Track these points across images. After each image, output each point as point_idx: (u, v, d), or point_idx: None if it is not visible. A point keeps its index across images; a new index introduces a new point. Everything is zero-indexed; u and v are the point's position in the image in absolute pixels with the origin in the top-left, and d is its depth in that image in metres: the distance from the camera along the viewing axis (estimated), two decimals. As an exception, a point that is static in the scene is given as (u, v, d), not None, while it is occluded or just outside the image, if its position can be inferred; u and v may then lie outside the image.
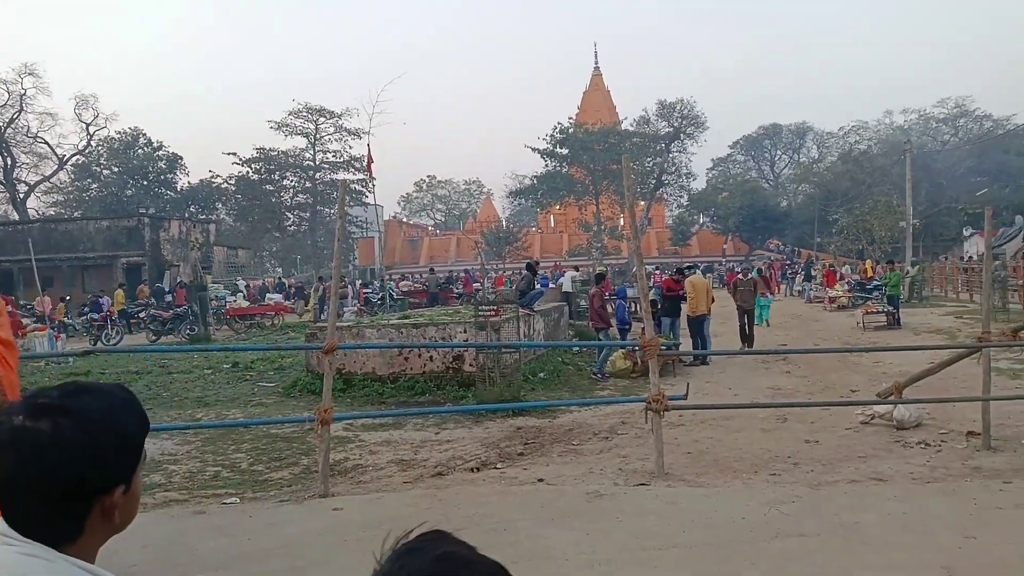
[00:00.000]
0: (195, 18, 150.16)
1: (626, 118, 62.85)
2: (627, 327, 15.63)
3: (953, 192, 51.18)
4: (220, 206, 61.90)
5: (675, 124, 59.53)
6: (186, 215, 53.05)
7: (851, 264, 40.16)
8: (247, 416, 10.99)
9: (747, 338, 16.47)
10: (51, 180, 57.11)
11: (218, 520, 6.22)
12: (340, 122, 57.55)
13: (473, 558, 0.92)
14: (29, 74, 51.01)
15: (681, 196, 64.36)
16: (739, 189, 59.65)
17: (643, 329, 7.58)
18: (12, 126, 52.04)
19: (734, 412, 9.46)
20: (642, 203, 58.36)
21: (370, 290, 34.47)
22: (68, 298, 28.85)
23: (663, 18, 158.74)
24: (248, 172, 57.10)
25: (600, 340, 14.37)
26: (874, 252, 40.44)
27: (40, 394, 1.18)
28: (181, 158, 60.52)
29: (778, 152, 76.70)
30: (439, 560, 0.90)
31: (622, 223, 56.63)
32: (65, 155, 56.13)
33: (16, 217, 51.25)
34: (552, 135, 57.01)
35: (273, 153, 57.16)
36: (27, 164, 54.92)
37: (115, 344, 21.96)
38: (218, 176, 58.69)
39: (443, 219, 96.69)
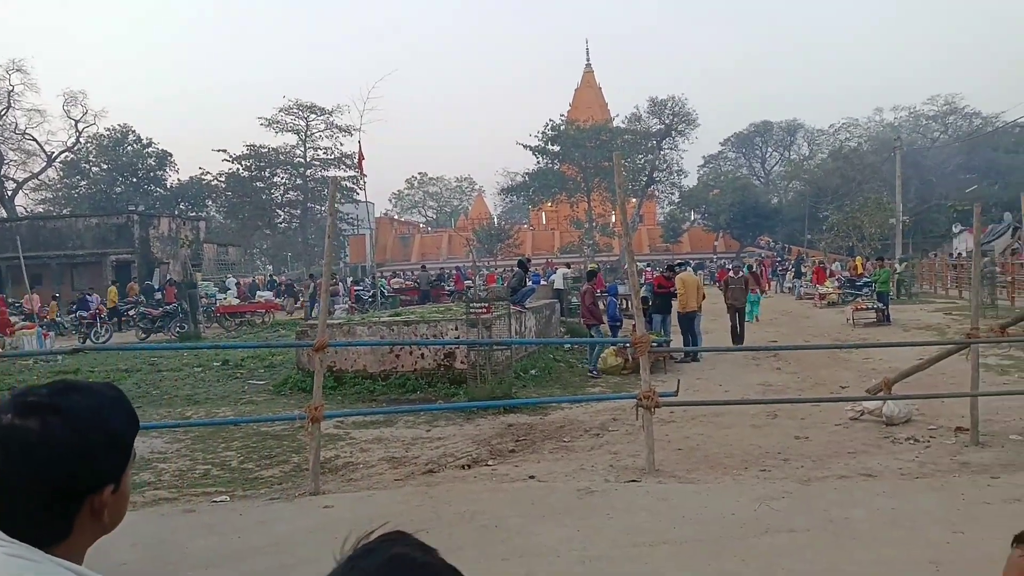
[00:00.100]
0: (185, 14, 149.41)
1: (618, 115, 62.87)
2: (618, 324, 15.65)
3: (942, 189, 51.43)
4: (210, 203, 61.68)
5: (666, 121, 59.53)
6: (176, 212, 52.79)
7: (841, 261, 40.34)
8: (237, 414, 10.95)
9: (738, 337, 16.54)
10: (39, 177, 56.80)
11: (208, 518, 6.21)
12: (331, 119, 57.57)
13: (427, 560, 0.92)
14: (17, 70, 50.77)
15: (672, 193, 64.41)
16: (730, 186, 59.76)
17: (634, 326, 7.59)
18: (0, 123, 51.70)
19: (724, 408, 9.49)
20: (633, 200, 58.35)
21: (361, 287, 34.39)
22: (58, 296, 28.70)
23: (655, 15, 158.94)
24: (238, 169, 56.95)
25: (592, 336, 14.39)
26: (864, 249, 40.60)
27: (29, 392, 1.16)
28: (171, 155, 60.27)
29: (769, 149, 76.89)
30: (390, 562, 0.89)
31: (614, 220, 56.62)
32: (54, 152, 55.87)
33: (4, 214, 50.83)
34: (544, 132, 56.96)
35: (264, 150, 57.03)
36: (15, 161, 54.62)
37: (104, 342, 21.86)
38: (208, 173, 58.64)
39: (435, 216, 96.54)
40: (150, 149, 59.44)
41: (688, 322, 15.18)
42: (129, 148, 58.82)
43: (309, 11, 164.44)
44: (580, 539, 5.31)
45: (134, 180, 59.19)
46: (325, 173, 58.14)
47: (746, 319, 17.81)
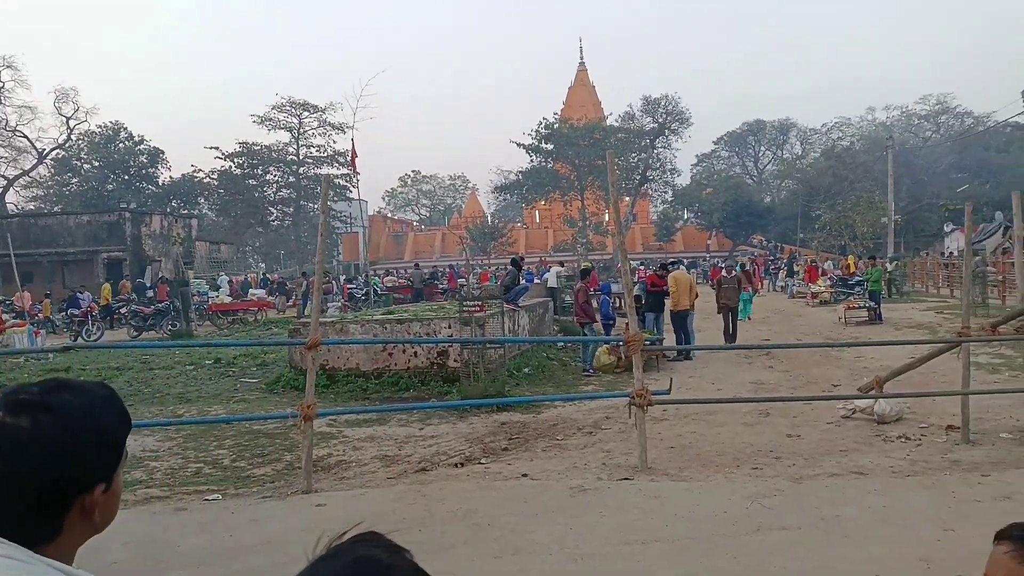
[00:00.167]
0: (178, 10, 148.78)
1: (611, 113, 62.83)
2: (611, 322, 15.67)
3: (934, 188, 51.67)
4: (202, 201, 61.47)
5: (660, 120, 59.57)
6: (168, 210, 52.61)
7: (833, 260, 40.46)
8: (229, 412, 10.92)
9: (731, 336, 16.58)
10: (30, 174, 56.45)
11: (200, 517, 6.19)
12: (324, 116, 57.52)
13: (392, 563, 0.91)
14: (7, 67, 50.49)
15: (665, 192, 64.47)
16: (723, 185, 59.88)
17: (627, 324, 7.59)
18: (-10, 119, 51.42)
19: (717, 407, 9.51)
20: (627, 199, 58.46)
21: (354, 285, 34.34)
22: (47, 294, 28.57)
23: (648, 14, 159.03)
24: (231, 167, 56.81)
25: (585, 335, 14.40)
26: (856, 248, 40.76)
27: (20, 390, 1.15)
28: (163, 152, 60.06)
29: (762, 148, 77.04)
30: (354, 564, 0.89)
31: (607, 219, 56.74)
32: (45, 149, 55.52)
33: (-6, 212, 50.62)
34: (537, 130, 56.99)
35: (256, 147, 56.90)
36: (6, 158, 54.34)
37: (96, 340, 21.76)
38: (200, 171, 58.46)
39: (428, 214, 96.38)
40: (142, 146, 59.19)
41: (681, 320, 15.20)
42: (121, 145, 58.55)
43: (303, 8, 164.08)
44: (573, 537, 5.32)
45: (126, 177, 58.92)
46: (318, 171, 58.04)
47: (739, 318, 17.85)
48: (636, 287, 14.73)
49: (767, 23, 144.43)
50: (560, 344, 15.91)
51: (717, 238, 61.90)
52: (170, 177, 60.85)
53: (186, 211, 55.08)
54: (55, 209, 52.21)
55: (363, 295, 31.03)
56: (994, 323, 8.59)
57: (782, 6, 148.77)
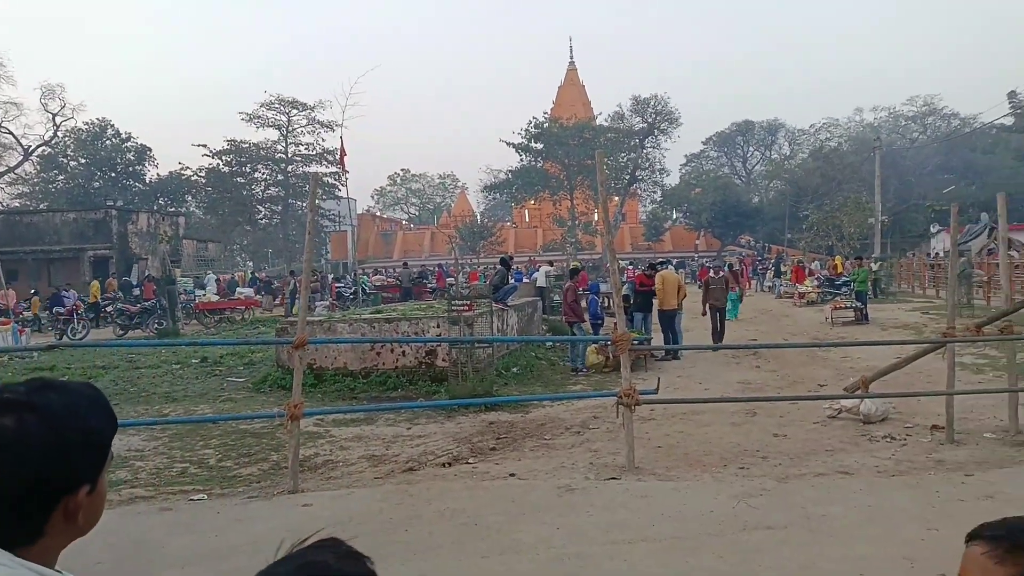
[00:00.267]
0: (165, 6, 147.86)
1: (600, 113, 63.06)
2: (599, 322, 15.69)
3: (921, 189, 52.01)
4: (190, 199, 61.15)
5: (649, 120, 59.77)
6: (155, 208, 52.31)
7: (820, 260, 40.66)
8: (216, 411, 10.86)
9: (718, 336, 16.64)
10: (16, 171, 55.86)
11: (185, 517, 6.16)
12: (313, 114, 57.31)
13: (342, 568, 0.91)
14: (-8, 62, 49.96)
15: (655, 192, 64.69)
16: (712, 185, 60.08)
17: (615, 324, 7.61)
18: (-26, 116, 50.89)
19: (704, 406, 9.54)
20: (616, 198, 58.60)
21: (342, 284, 34.22)
22: (35, 292, 28.36)
23: (638, 14, 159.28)
24: (219, 164, 56.51)
25: (573, 334, 14.41)
26: (843, 248, 40.95)
27: (5, 389, 1.14)
28: (150, 149, 59.64)
29: (750, 148, 77.29)
30: (299, 570, 0.89)
31: (596, 218, 56.79)
32: (31, 146, 54.97)
33: (-21, 209, 50.17)
34: (527, 130, 57.07)
35: (244, 145, 56.61)
36: (-9, 155, 53.77)
37: (81, 339, 21.60)
38: (188, 168, 58.08)
39: (417, 213, 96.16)
40: (129, 143, 58.77)
41: (668, 320, 15.24)
42: (108, 142, 58.13)
43: (293, 5, 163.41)
44: (560, 537, 5.32)
45: (112, 175, 58.52)
46: (307, 169, 57.82)
47: (727, 318, 17.92)
48: (625, 287, 14.77)
49: (756, 24, 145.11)
50: (549, 344, 15.92)
51: (705, 238, 62.10)
52: (157, 175, 60.54)
53: (173, 209, 54.74)
54: (41, 206, 51.77)
55: (351, 294, 30.94)
56: (979, 324, 8.66)
57: (771, 7, 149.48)
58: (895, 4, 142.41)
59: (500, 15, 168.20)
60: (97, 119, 57.57)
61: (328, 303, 28.12)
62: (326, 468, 7.73)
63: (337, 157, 41.81)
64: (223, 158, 56.25)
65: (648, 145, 60.52)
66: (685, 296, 15.88)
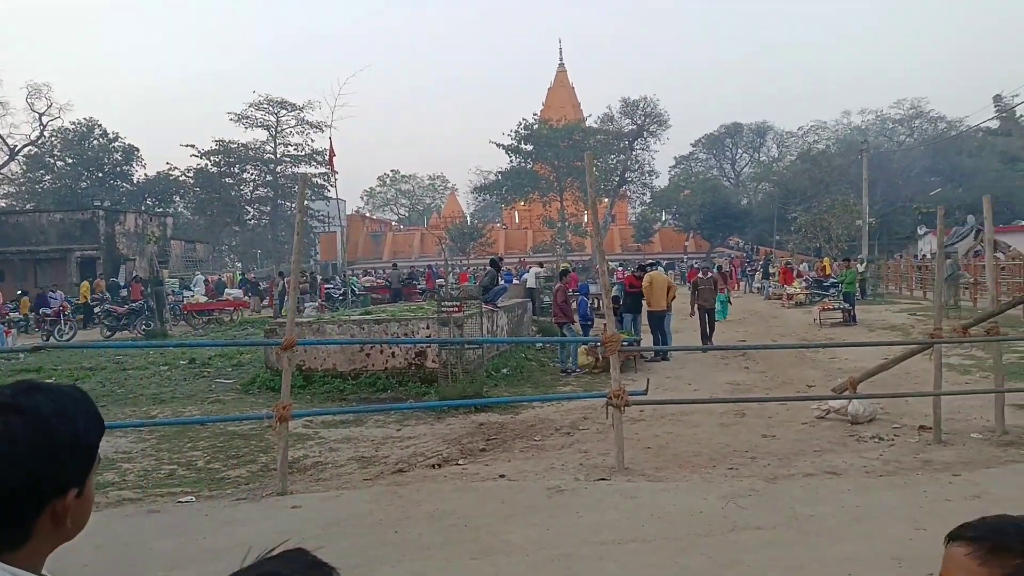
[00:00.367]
0: (154, 5, 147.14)
1: (590, 115, 63.21)
2: (589, 323, 15.71)
3: (908, 191, 52.35)
4: (178, 199, 60.84)
5: (638, 122, 59.93)
6: (142, 208, 52.00)
7: (809, 262, 40.85)
8: (204, 413, 10.81)
9: (707, 337, 16.68)
10: (2, 171, 55.51)
11: (173, 519, 6.12)
12: (302, 115, 57.18)
13: None
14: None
15: (644, 193, 64.90)
16: (701, 187, 60.29)
17: (605, 325, 7.62)
18: (-40, 115, 50.54)
19: (693, 407, 9.57)
20: (605, 200, 58.66)
21: (332, 285, 34.11)
22: (23, 292, 28.13)
23: (628, 17, 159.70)
24: (207, 165, 56.29)
25: (563, 335, 14.42)
26: (831, 250, 41.17)
27: None
28: (137, 150, 59.32)
29: (739, 151, 77.57)
30: None
31: (586, 220, 56.81)
32: (17, 145, 54.62)
33: (-35, 209, 49.72)
34: (517, 131, 57.06)
35: (233, 146, 56.42)
36: (-24, 155, 53.37)
37: (68, 340, 21.45)
38: (176, 168, 57.84)
39: (407, 214, 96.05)
40: (116, 143, 58.44)
41: (657, 321, 15.27)
42: (95, 142, 57.77)
43: (282, 5, 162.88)
44: (549, 538, 5.32)
45: (100, 175, 58.17)
46: (296, 169, 57.72)
47: (716, 319, 17.97)
48: (614, 288, 14.79)
49: (745, 27, 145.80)
50: (539, 344, 15.92)
51: (695, 240, 62.32)
52: (145, 175, 60.24)
53: (161, 209, 54.42)
54: (27, 207, 51.37)
55: (341, 295, 30.82)
56: (965, 325, 8.73)
57: (759, 11, 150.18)
58: (883, 8, 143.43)
59: (490, 17, 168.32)
60: (84, 119, 57.33)
61: (317, 304, 28.02)
62: (315, 470, 7.70)
63: (326, 158, 41.68)
64: (211, 158, 56.05)
65: (637, 147, 60.69)
66: (675, 297, 15.92)
